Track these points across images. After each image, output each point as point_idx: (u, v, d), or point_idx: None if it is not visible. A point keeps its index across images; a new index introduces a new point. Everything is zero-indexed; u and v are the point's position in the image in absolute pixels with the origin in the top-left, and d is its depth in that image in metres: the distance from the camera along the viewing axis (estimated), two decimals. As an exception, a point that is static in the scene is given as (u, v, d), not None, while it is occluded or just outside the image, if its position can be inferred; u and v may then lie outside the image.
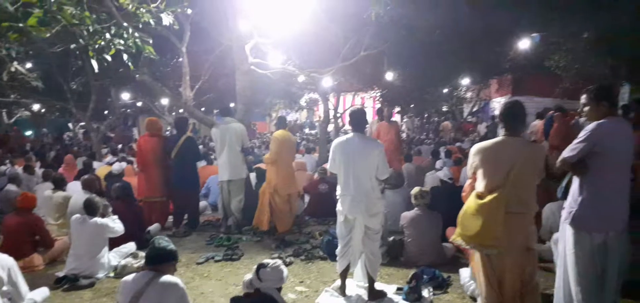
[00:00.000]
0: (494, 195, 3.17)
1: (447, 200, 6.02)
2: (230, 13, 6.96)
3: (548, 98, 15.87)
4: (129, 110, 19.97)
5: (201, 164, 9.91)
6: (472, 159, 3.39)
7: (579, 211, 3.27)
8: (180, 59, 7.65)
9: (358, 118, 4.45)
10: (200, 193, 8.53)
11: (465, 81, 20.37)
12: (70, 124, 24.25)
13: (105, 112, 18.35)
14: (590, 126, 3.25)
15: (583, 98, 3.41)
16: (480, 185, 3.32)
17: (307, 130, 29.07)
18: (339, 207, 4.41)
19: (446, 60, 11.21)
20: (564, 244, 3.40)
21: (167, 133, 16.67)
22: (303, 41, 7.74)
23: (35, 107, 19.26)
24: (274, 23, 6.90)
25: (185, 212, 7.12)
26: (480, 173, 3.32)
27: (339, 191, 4.40)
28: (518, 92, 18.20)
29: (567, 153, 3.29)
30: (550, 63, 12.56)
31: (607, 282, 3.26)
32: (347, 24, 7.39)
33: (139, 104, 19.42)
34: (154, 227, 6.61)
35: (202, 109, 21.06)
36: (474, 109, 24.47)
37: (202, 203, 8.15)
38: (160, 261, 3.37)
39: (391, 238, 5.55)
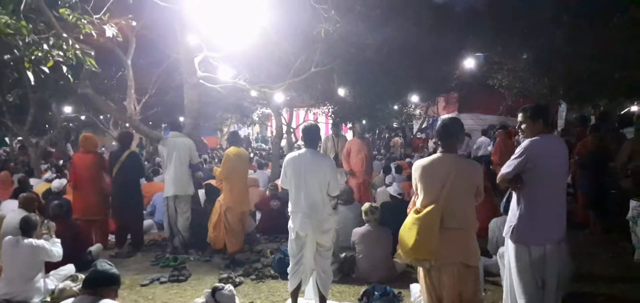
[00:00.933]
0: (428, 208, 3.23)
1: (397, 215, 6.04)
2: (178, 26, 6.79)
3: (493, 115, 16.54)
4: (71, 124, 19.03)
5: (159, 179, 9.58)
6: (413, 175, 3.46)
7: (518, 225, 3.40)
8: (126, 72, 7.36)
9: (311, 134, 4.44)
10: (146, 210, 8.24)
11: (415, 98, 20.91)
12: (7, 139, 22.81)
13: (46, 126, 17.41)
14: (524, 143, 3.42)
15: (520, 116, 3.60)
16: (418, 201, 3.38)
17: (254, 144, 28.84)
18: (290, 224, 4.35)
19: (395, 77, 11.46)
20: (507, 257, 3.52)
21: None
22: (253, 56, 7.67)
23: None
24: (224, 37, 6.79)
25: (128, 231, 6.80)
26: (419, 189, 3.38)
27: (290, 207, 4.34)
28: (464, 109, 18.85)
29: (504, 169, 3.46)
30: (493, 81, 13.10)
31: (546, 294, 3.38)
32: (297, 41, 7.40)
33: (83, 117, 18.55)
34: (95, 248, 6.27)
35: (150, 123, 20.44)
36: (423, 126, 25.14)
37: (148, 222, 7.84)
38: (100, 284, 3.18)
39: (343, 255, 5.53)
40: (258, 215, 7.78)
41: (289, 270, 4.38)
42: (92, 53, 4.39)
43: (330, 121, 20.84)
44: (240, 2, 5.98)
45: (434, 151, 14.06)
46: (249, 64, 8.46)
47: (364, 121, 23.73)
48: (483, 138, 13.24)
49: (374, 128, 25.27)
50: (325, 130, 33.72)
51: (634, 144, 5.58)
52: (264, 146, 27.58)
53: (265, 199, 7.85)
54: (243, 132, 30.93)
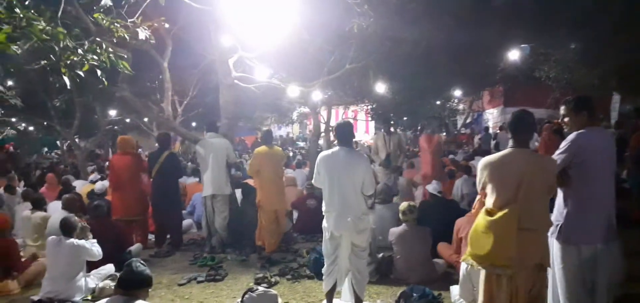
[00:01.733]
0: (505, 210, 2.94)
1: (436, 215, 5.90)
2: (212, 27, 6.82)
3: (540, 108, 15.85)
4: (116, 127, 19.73)
5: (192, 180, 9.74)
6: (480, 174, 3.17)
7: (566, 224, 3.17)
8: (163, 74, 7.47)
9: (344, 132, 4.32)
10: (186, 210, 8.36)
11: (458, 93, 20.38)
12: (58, 142, 23.98)
13: (92, 129, 18.13)
14: (570, 137, 3.19)
15: (562, 109, 3.38)
16: (490, 201, 3.10)
17: (301, 143, 28.84)
18: (324, 224, 4.25)
19: (435, 72, 11.14)
20: (552, 258, 3.26)
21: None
22: (288, 55, 7.59)
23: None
24: (257, 37, 6.75)
25: (168, 231, 6.91)
26: (489, 189, 3.10)
27: (324, 207, 4.24)
28: (510, 103, 18.21)
29: None
30: (540, 74, 12.56)
31: (597, 297, 3.14)
32: (331, 37, 7.28)
33: (127, 120, 19.18)
34: (135, 247, 6.38)
35: (193, 124, 20.88)
36: (467, 121, 24.46)
37: (187, 221, 7.94)
38: (133, 286, 3.22)
39: (380, 255, 5.37)
40: (295, 215, 7.72)
41: (323, 270, 4.28)
42: (126, 56, 4.44)
43: (370, 118, 20.72)
44: (272, 1, 5.93)
45: (480, 148, 13.58)
46: (284, 63, 8.40)
47: (405, 118, 23.53)
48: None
49: (414, 124, 24.87)
50: (365, 127, 33.62)
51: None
52: (300, 144, 27.54)
53: (302, 198, 7.78)
54: (283, 131, 31.16)
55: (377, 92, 13.96)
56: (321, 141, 15.52)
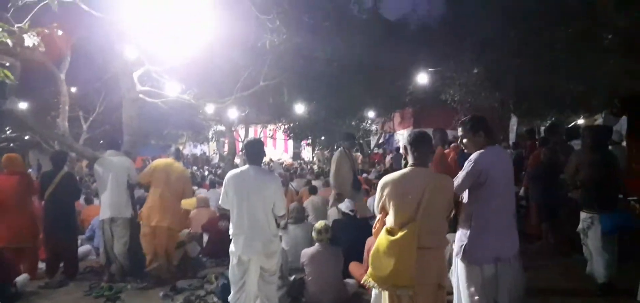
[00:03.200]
0: (405, 230, 2.97)
1: (348, 234, 5.89)
2: (114, 38, 6.37)
3: (447, 130, 16.73)
4: (12, 144, 17.87)
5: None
6: (380, 193, 3.18)
7: (469, 244, 3.23)
8: (73, 89, 6.85)
9: (254, 149, 4.17)
10: (84, 235, 7.67)
11: (371, 114, 21.02)
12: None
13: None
14: (474, 156, 3.27)
15: (459, 130, 3.47)
16: (390, 220, 3.12)
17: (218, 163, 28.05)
18: (232, 248, 4.05)
19: (349, 93, 11.38)
20: (456, 277, 3.34)
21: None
22: (200, 69, 7.32)
23: None
24: (166, 50, 6.43)
25: (61, 259, 6.24)
26: (390, 207, 3.11)
27: (231, 229, 4.04)
28: (419, 124, 19.05)
29: (455, 183, 3.28)
30: (446, 97, 13.25)
31: None
32: (245, 53, 7.13)
33: (26, 137, 17.44)
34: (21, 279, 5.70)
35: (101, 142, 19.49)
36: (380, 141, 25.30)
37: (85, 248, 7.27)
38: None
39: (292, 277, 5.24)
40: (206, 238, 7.36)
41: (230, 298, 4.07)
42: (7, 64, 3.96)
43: (288, 137, 20.72)
44: (180, 13, 5.67)
45: (391, 167, 13.88)
46: (196, 77, 8.10)
47: (322, 137, 23.82)
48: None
49: (331, 144, 25.28)
50: (283, 146, 33.39)
51: (581, 156, 5.61)
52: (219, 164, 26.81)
53: (213, 220, 7.44)
54: (199, 149, 30.20)
55: (295, 111, 14.01)
56: (237, 160, 15.19)
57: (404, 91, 14.87)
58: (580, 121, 12.74)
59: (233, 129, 13.15)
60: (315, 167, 23.24)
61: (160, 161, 6.12)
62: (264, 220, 3.98)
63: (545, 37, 6.69)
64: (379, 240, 3.14)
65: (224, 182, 4.15)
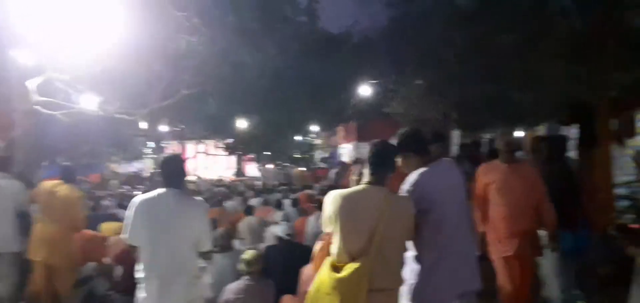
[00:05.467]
0: (355, 265, 2.32)
1: (283, 261, 5.19)
2: (4, 42, 5.39)
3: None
4: None
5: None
6: (328, 209, 2.50)
7: (420, 283, 2.61)
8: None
9: (172, 168, 3.34)
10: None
11: (315, 128, 20.61)
12: None
13: None
14: (412, 177, 2.70)
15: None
16: (335, 248, 2.44)
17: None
18: (141, 295, 3.22)
19: (289, 105, 10.77)
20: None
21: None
22: (115, 79, 6.41)
23: None
24: (71, 55, 5.53)
25: None
26: (337, 230, 2.43)
27: (140, 272, 3.22)
28: (362, 138, 18.79)
29: None
30: (389, 109, 12.98)
31: None
32: (162, 58, 6.29)
33: None
34: None
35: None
36: (324, 156, 24.98)
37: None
38: None
39: (213, 320, 4.46)
40: (119, 271, 6.37)
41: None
42: None
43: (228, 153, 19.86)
44: (84, 13, 4.84)
45: (336, 182, 13.24)
46: (113, 87, 7.14)
47: (266, 152, 23.15)
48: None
49: (275, 160, 24.68)
50: (225, 163, 32.24)
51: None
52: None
53: (126, 251, 6.48)
54: (132, 168, 28.47)
55: (235, 125, 13.22)
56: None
57: (347, 104, 14.50)
58: (520, 133, 12.81)
59: (164, 144, 12.12)
60: (259, 183, 22.46)
61: (44, 184, 5.13)
62: (185, 257, 3.20)
63: (490, 45, 6.43)
64: (321, 277, 2.46)
65: (128, 210, 3.32)
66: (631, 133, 6.30)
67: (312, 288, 2.47)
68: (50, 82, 6.02)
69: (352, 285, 2.30)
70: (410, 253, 2.71)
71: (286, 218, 7.16)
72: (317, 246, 2.66)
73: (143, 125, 11.36)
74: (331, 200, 2.49)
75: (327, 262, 2.48)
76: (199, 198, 3.72)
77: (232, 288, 4.35)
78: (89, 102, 7.19)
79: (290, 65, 7.76)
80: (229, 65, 6.47)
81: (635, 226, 5.33)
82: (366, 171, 2.57)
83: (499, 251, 3.79)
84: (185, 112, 9.62)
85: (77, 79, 6.04)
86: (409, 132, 2.88)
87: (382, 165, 2.58)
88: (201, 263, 5.51)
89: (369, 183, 2.53)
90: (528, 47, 5.40)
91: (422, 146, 2.81)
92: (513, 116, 7.59)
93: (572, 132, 6.48)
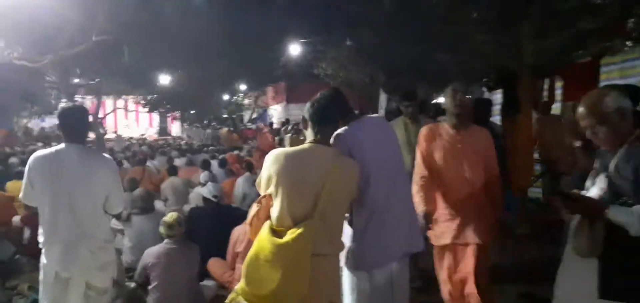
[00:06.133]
0: (299, 230, 2.14)
1: (210, 224, 5.00)
2: None
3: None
4: None
5: None
6: (268, 170, 2.26)
7: (354, 247, 2.48)
8: None
9: (73, 121, 3.02)
10: None
11: (243, 87, 20.10)
12: None
13: None
14: (334, 136, 2.47)
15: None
16: (276, 212, 2.24)
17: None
18: (43, 260, 2.94)
19: (214, 60, 10.26)
20: (343, 289, 2.61)
21: None
22: (16, 19, 5.63)
23: None
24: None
25: None
26: (277, 195, 2.24)
27: (41, 236, 2.93)
28: (292, 99, 18.69)
29: None
30: (318, 71, 12.87)
31: None
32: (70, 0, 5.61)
33: None
34: None
35: None
36: (253, 116, 24.54)
37: None
38: None
39: (133, 285, 4.21)
40: (27, 233, 5.86)
41: (40, 326, 2.96)
42: None
43: (147, 110, 18.81)
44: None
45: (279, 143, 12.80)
46: (17, 32, 6.31)
47: (192, 111, 22.27)
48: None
49: (202, 119, 23.82)
50: (148, 121, 30.69)
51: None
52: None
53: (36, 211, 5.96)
54: (47, 123, 26.28)
55: (158, 81, 12.48)
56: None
57: (277, 63, 14.19)
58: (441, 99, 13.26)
59: (78, 99, 11.19)
60: (182, 143, 21.68)
61: None
62: (91, 220, 2.93)
63: (419, 6, 6.45)
64: (260, 242, 2.25)
65: (26, 168, 2.97)
66: (552, 100, 6.63)
67: (250, 254, 2.27)
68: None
69: (296, 250, 2.14)
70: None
71: (213, 179, 6.89)
72: (253, 210, 2.46)
73: (52, 77, 10.39)
74: (273, 160, 2.26)
75: (266, 226, 2.28)
76: (105, 154, 3.41)
77: (153, 251, 4.12)
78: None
79: (215, 18, 7.28)
80: (147, 12, 5.90)
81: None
82: (309, 130, 2.36)
83: (439, 236, 3.33)
84: (100, 64, 8.82)
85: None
86: (317, 106, 2.40)
87: (327, 121, 2.36)
88: (117, 225, 5.23)
89: (314, 141, 2.33)
90: (456, 11, 5.47)
91: (344, 107, 2.51)
92: (439, 79, 7.74)
93: (496, 97, 6.79)
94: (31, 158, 2.98)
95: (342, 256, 2.49)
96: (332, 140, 2.44)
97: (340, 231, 2.37)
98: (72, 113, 3.05)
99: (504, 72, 5.77)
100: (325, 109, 2.35)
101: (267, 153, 2.37)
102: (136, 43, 6.71)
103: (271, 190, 2.27)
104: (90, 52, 6.29)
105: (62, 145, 2.95)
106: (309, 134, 2.37)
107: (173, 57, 8.99)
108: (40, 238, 2.94)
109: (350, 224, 2.51)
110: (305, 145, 2.34)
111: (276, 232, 2.22)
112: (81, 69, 8.01)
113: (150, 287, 4.01)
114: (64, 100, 18.33)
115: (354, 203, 2.46)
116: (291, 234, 2.15)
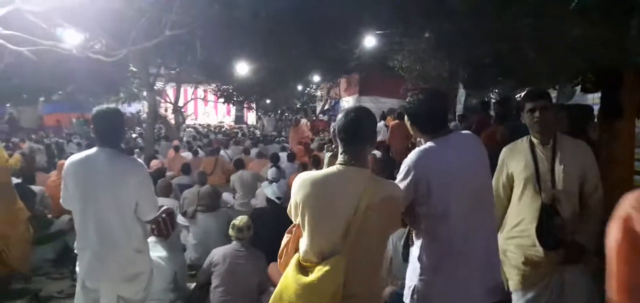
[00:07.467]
0: (325, 267, 1.86)
1: (270, 226, 4.79)
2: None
3: (393, 99, 16.01)
4: None
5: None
6: (294, 196, 2.01)
7: (421, 286, 2.14)
8: None
9: (106, 125, 2.86)
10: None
11: (316, 78, 19.97)
12: None
13: None
14: (410, 157, 2.15)
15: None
16: (304, 245, 1.98)
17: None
18: (77, 268, 2.87)
19: (287, 52, 10.12)
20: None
21: None
22: (95, 13, 5.78)
23: None
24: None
25: None
26: (305, 221, 1.97)
27: (76, 242, 2.85)
28: (365, 91, 18.25)
29: None
30: (394, 63, 12.41)
31: None
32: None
33: None
34: None
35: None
36: (325, 107, 24.41)
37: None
38: None
39: (193, 285, 4.11)
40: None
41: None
42: None
43: (223, 100, 19.20)
44: None
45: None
46: (94, 22, 6.51)
47: (267, 101, 22.54)
48: (381, 124, 12.49)
49: (275, 109, 24.05)
50: (225, 110, 31.56)
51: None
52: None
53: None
54: (133, 108, 27.83)
55: (233, 71, 12.63)
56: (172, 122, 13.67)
57: (351, 55, 13.84)
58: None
59: (159, 87, 11.58)
60: (257, 132, 22.00)
61: None
62: (120, 229, 2.78)
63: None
64: (285, 280, 2.00)
65: (63, 171, 2.88)
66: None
67: (275, 293, 2.02)
68: (20, 14, 5.40)
69: (321, 291, 1.85)
70: (413, 250, 2.26)
71: (281, 175, 6.72)
72: (285, 240, 2.19)
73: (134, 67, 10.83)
74: (299, 185, 2.00)
75: (294, 261, 2.02)
76: (136, 158, 3.28)
77: (221, 252, 3.98)
78: (72, 39, 6.66)
79: (288, 7, 7.07)
80: (219, 4, 5.83)
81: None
82: (339, 148, 2.03)
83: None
84: (177, 56, 9.03)
85: (52, 10, 5.41)
86: (414, 101, 2.22)
87: (359, 139, 2.00)
88: (183, 222, 5.21)
89: (345, 163, 1.99)
90: (549, 2, 4.79)
91: (434, 114, 2.21)
92: (526, 77, 6.98)
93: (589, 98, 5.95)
94: (67, 161, 2.91)
95: (407, 296, 2.14)
96: (408, 160, 2.09)
97: (377, 267, 2.02)
98: (104, 116, 2.88)
99: (604, 71, 5.00)
100: (357, 125, 1.99)
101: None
102: (209, 36, 6.70)
103: (298, 219, 2.00)
104: (166, 45, 6.38)
105: (94, 149, 2.84)
106: (341, 155, 2.02)
107: (246, 49, 8.95)
108: (75, 244, 2.87)
109: (418, 259, 2.13)
110: (335, 167, 2.00)
111: (303, 268, 1.96)
112: (161, 59, 8.16)
113: (211, 287, 3.88)
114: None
115: (421, 237, 2.08)
116: (317, 272, 1.87)
